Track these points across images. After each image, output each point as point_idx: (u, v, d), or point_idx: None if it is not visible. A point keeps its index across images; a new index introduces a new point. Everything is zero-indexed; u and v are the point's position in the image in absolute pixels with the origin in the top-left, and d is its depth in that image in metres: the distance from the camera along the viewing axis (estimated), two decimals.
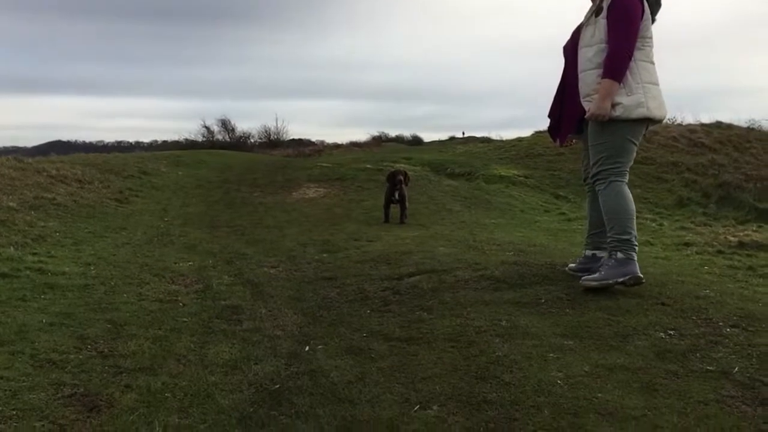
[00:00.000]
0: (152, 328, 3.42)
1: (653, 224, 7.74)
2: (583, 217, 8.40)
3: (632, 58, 3.47)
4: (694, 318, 3.07)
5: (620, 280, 3.44)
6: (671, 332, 2.90)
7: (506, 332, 3.05)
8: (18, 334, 3.13)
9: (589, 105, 3.57)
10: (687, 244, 6.38)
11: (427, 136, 38.11)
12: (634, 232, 3.54)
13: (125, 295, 4.04)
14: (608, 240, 3.57)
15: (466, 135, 31.29)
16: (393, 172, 8.04)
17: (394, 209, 7.78)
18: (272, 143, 34.19)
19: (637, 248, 3.55)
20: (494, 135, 24.48)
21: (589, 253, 3.89)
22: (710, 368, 2.53)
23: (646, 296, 3.39)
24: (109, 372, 2.77)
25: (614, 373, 2.52)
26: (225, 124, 35.38)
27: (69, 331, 3.25)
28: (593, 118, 3.53)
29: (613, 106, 3.48)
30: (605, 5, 3.52)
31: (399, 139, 36.75)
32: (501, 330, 3.09)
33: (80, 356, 2.94)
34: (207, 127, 35.16)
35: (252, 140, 35.36)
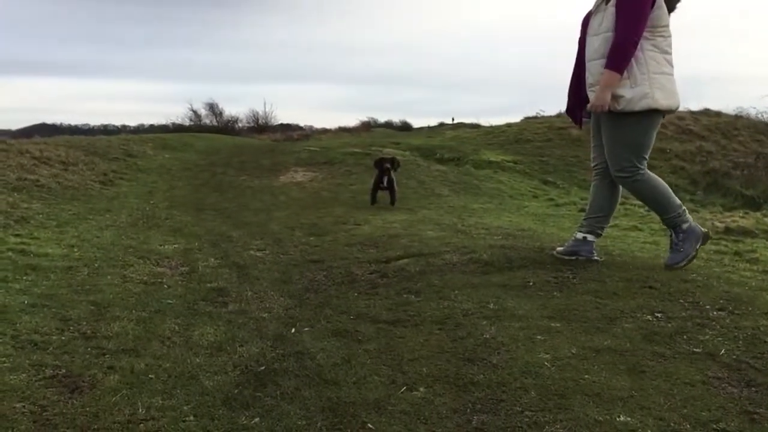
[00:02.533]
0: (136, 309, 3.38)
1: (641, 210, 7.74)
2: (571, 203, 8.43)
3: (640, 48, 3.43)
4: (681, 301, 3.07)
5: (698, 246, 3.64)
6: (658, 315, 2.91)
7: (494, 315, 3.04)
8: None
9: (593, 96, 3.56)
10: None
11: (417, 122, 38.10)
12: (678, 201, 3.68)
13: (109, 277, 3.98)
14: (664, 223, 3.72)
15: (455, 121, 31.24)
16: (380, 159, 7.86)
17: (382, 195, 7.68)
18: (260, 127, 33.89)
19: (686, 211, 3.69)
20: (483, 121, 24.43)
21: (580, 236, 3.87)
22: (697, 350, 2.53)
23: (633, 279, 3.39)
24: (92, 353, 2.73)
25: (601, 355, 2.52)
26: (212, 108, 35.02)
27: (51, 313, 3.20)
28: (593, 109, 3.55)
29: (617, 98, 3.47)
30: None
31: (388, 125, 36.62)
32: (488, 312, 3.08)
33: (62, 337, 2.90)
34: (194, 111, 34.82)
35: (239, 124, 35.04)
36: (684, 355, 2.50)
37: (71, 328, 3.04)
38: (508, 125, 16.71)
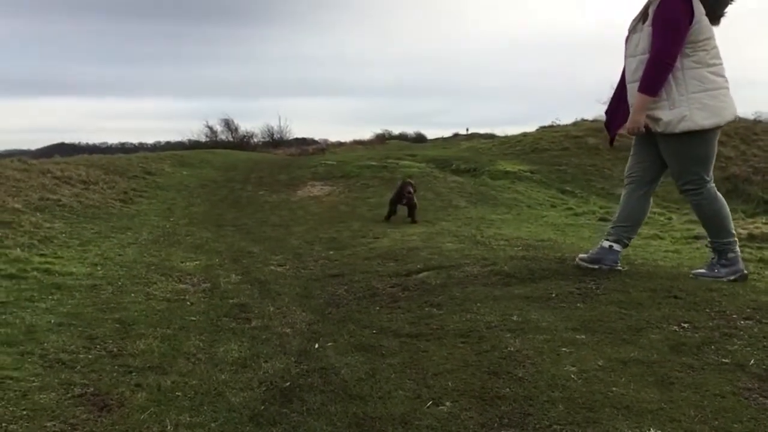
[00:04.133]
0: (161, 327, 3.41)
1: (662, 218, 7.69)
2: (590, 212, 8.38)
3: (680, 68, 3.40)
4: (707, 311, 3.03)
5: (731, 278, 3.56)
6: (685, 325, 2.87)
7: (517, 327, 3.03)
8: (27, 334, 3.12)
9: None
10: (696, 237, 6.31)
11: (431, 133, 38.25)
12: (734, 230, 3.63)
13: (133, 295, 4.03)
14: (712, 245, 3.65)
15: (470, 131, 31.27)
16: (405, 183, 7.67)
17: (400, 208, 7.59)
18: (275, 142, 34.18)
19: (737, 243, 3.64)
20: (498, 131, 24.44)
21: (606, 244, 3.82)
22: (725, 361, 2.50)
23: (658, 289, 3.36)
24: (119, 371, 2.76)
25: (629, 367, 2.50)
26: (228, 124, 35.31)
27: (78, 331, 3.24)
28: (628, 132, 3.58)
29: (656, 121, 3.47)
30: (651, 11, 3.45)
31: (402, 137, 36.77)
32: (512, 325, 3.06)
33: (90, 356, 2.93)
34: (210, 127, 35.11)
35: (255, 140, 35.33)
36: (713, 366, 2.47)
37: (98, 346, 3.07)
38: (524, 135, 16.67)
